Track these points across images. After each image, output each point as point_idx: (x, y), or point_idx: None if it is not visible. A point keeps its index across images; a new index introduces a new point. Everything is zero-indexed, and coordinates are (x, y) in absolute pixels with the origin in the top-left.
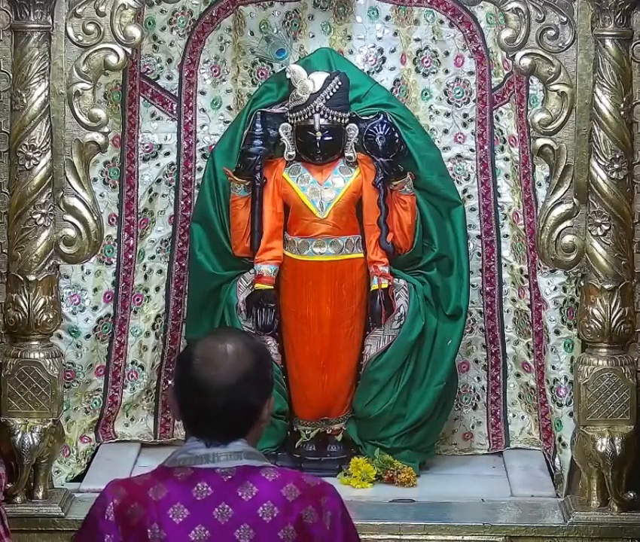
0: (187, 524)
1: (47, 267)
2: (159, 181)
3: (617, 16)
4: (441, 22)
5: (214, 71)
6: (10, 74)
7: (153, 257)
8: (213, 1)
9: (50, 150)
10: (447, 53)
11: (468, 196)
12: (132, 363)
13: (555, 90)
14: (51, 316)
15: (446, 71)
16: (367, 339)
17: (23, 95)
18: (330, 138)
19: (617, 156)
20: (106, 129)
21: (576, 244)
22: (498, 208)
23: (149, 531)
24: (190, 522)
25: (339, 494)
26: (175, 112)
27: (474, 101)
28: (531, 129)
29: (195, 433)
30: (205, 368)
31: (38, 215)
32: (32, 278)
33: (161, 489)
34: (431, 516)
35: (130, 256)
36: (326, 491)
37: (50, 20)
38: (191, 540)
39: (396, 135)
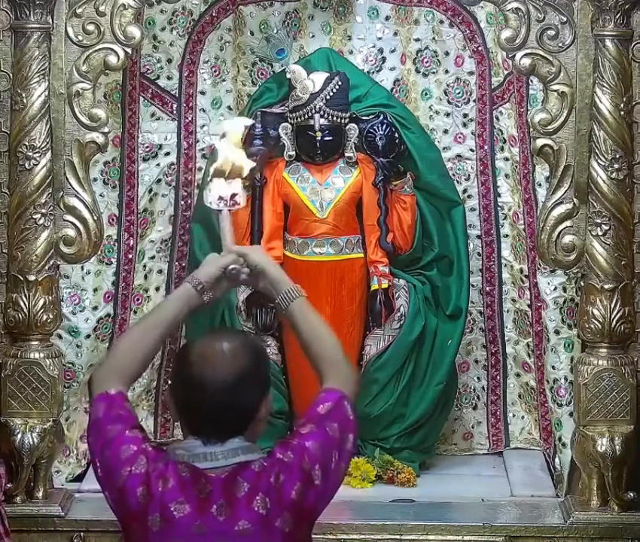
0: (187, 519)
1: (47, 267)
2: (159, 181)
3: (617, 16)
4: (441, 22)
5: (214, 71)
6: (10, 74)
7: (153, 257)
8: (213, 1)
9: (50, 150)
10: (447, 53)
11: (468, 196)
12: None
13: (555, 90)
14: (51, 316)
15: (446, 71)
16: (367, 339)
17: (23, 95)
18: (330, 138)
19: (617, 156)
20: (106, 129)
21: (576, 244)
22: (498, 208)
23: (150, 517)
24: (190, 518)
25: (305, 438)
26: (175, 112)
27: (474, 101)
28: (531, 129)
29: (192, 432)
30: (202, 367)
31: (38, 215)
32: (32, 278)
33: (167, 482)
34: (431, 516)
35: (130, 256)
36: (302, 454)
37: (50, 20)
38: (191, 534)
39: (396, 135)
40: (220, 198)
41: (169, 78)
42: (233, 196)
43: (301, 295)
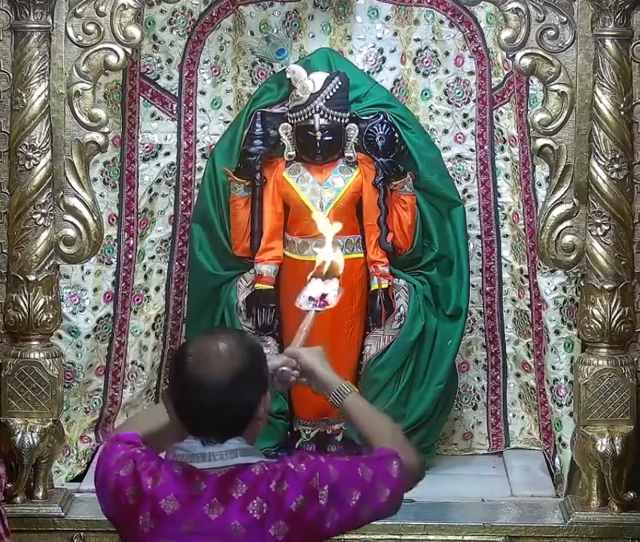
0: (177, 516)
1: (47, 267)
2: (159, 181)
3: (617, 16)
4: (441, 22)
5: (214, 71)
6: (10, 74)
7: (153, 257)
8: (213, 1)
9: (50, 150)
10: (447, 53)
11: (468, 196)
12: (132, 363)
13: (555, 90)
14: (51, 316)
15: (446, 71)
16: (367, 339)
17: (23, 95)
18: (330, 138)
19: (617, 156)
20: (106, 129)
21: (576, 244)
22: (498, 208)
23: (141, 517)
24: (181, 515)
25: (330, 461)
26: (175, 112)
27: (474, 101)
28: (531, 129)
29: (191, 432)
30: (198, 367)
31: (38, 215)
32: (32, 278)
33: (158, 479)
34: (431, 516)
35: (130, 256)
36: (314, 470)
37: (50, 20)
38: (181, 533)
39: (396, 135)
40: (311, 298)
41: (169, 78)
42: (324, 296)
43: (352, 390)
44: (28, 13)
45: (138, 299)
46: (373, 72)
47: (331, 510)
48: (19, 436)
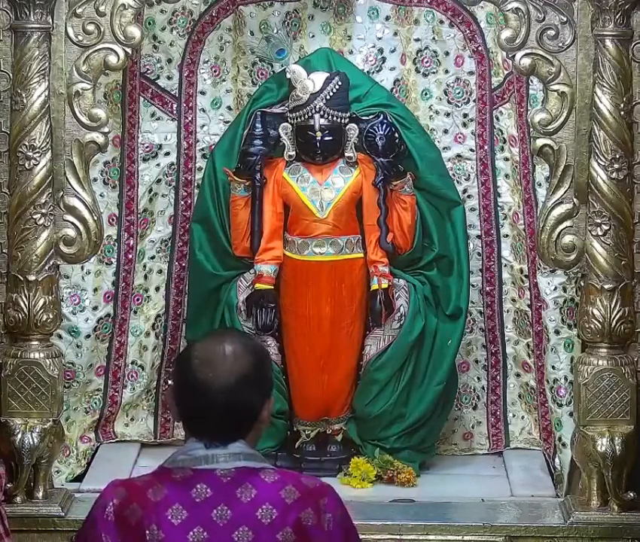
0: (185, 525)
1: (47, 267)
2: (159, 181)
3: (617, 16)
4: (441, 22)
5: (214, 71)
6: (10, 74)
7: (153, 257)
8: (213, 1)
9: (50, 150)
10: (447, 53)
11: (468, 196)
12: (132, 363)
13: (555, 90)
14: (51, 316)
15: (446, 71)
16: (367, 339)
17: (23, 95)
18: (330, 138)
19: (617, 156)
20: (106, 129)
21: (576, 244)
22: (498, 208)
23: (147, 532)
24: (189, 523)
25: (339, 496)
26: (175, 112)
27: (474, 101)
28: (531, 129)
29: (194, 435)
30: (203, 369)
31: (38, 215)
32: (32, 278)
33: (160, 490)
34: (431, 516)
35: (130, 256)
36: (325, 493)
37: (50, 20)
38: (189, 541)
39: (396, 135)
40: None
41: (169, 78)
42: None
43: None
44: (28, 13)
45: (138, 299)
46: (373, 72)
47: (332, 540)
48: (19, 436)
